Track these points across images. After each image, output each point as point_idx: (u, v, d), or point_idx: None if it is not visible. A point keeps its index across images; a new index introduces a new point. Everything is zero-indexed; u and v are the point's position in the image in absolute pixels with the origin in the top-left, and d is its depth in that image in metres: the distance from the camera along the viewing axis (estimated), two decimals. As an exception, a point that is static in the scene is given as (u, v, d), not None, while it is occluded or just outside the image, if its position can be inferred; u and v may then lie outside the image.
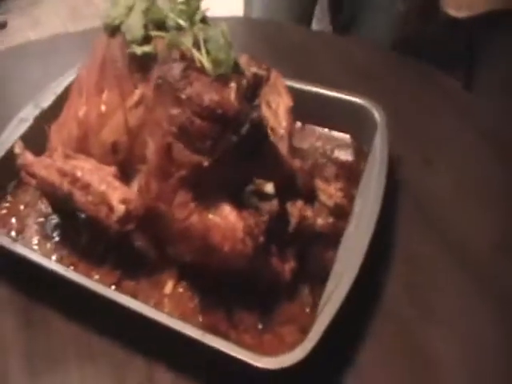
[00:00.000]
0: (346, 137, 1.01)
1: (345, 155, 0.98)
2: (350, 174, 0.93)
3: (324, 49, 1.34)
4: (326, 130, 1.02)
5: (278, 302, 0.79)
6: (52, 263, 0.81)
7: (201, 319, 0.78)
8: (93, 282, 0.78)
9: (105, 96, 0.86)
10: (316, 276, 0.80)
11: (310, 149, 0.99)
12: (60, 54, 1.35)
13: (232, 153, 0.73)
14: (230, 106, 0.72)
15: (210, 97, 0.72)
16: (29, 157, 0.88)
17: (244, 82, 0.79)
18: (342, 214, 0.83)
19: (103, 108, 0.86)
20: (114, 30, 0.87)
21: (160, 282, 0.82)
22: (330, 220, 0.84)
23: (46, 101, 1.05)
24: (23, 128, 1.00)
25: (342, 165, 0.96)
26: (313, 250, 0.82)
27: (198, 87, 0.73)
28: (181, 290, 0.81)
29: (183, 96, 0.73)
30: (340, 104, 0.99)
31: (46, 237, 0.91)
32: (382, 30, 1.72)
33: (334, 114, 1.00)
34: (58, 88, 1.07)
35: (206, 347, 0.69)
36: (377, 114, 0.95)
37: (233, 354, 0.68)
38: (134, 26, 0.85)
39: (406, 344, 0.79)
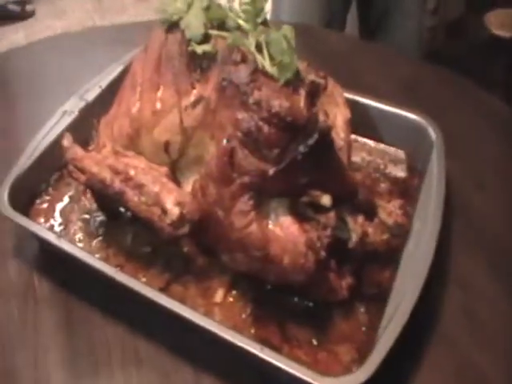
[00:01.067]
0: (399, 152, 0.98)
1: (398, 171, 0.95)
2: (404, 191, 0.91)
3: (362, 55, 1.31)
4: (378, 143, 1.00)
5: (332, 319, 0.77)
6: (101, 264, 0.78)
7: (253, 331, 0.76)
8: (144, 287, 0.75)
9: (160, 93, 0.84)
10: (371, 294, 0.78)
11: (362, 162, 0.96)
12: (94, 47, 1.34)
13: (298, 162, 0.70)
14: (300, 113, 0.70)
15: (279, 103, 0.70)
16: (79, 151, 0.85)
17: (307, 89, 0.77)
18: (400, 232, 0.80)
19: (158, 105, 0.83)
20: (171, 26, 0.85)
21: (209, 290, 0.80)
22: (385, 237, 0.81)
23: (91, 94, 1.03)
24: (67, 120, 0.98)
25: (395, 181, 0.94)
26: (368, 267, 0.80)
27: (267, 92, 0.71)
28: (231, 299, 0.79)
29: (251, 100, 0.71)
30: (394, 119, 0.97)
31: (90, 234, 0.88)
32: (409, 42, 1.71)
33: (388, 128, 0.98)
34: (103, 81, 1.05)
35: (265, 362, 0.67)
36: (432, 132, 0.92)
37: (294, 372, 0.65)
38: (194, 23, 0.83)
39: (460, 368, 0.76)
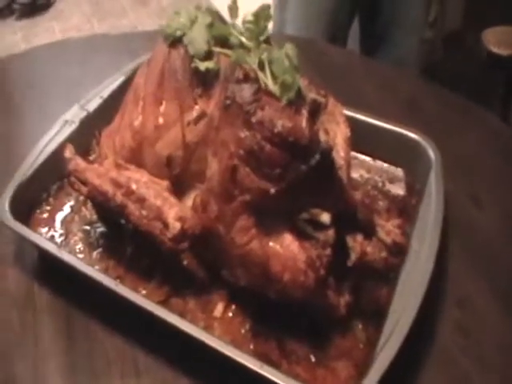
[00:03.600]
0: (398, 170, 0.99)
1: (396, 189, 0.96)
2: (403, 209, 0.92)
3: (363, 72, 1.32)
4: (377, 161, 1.01)
5: (330, 336, 0.77)
6: (101, 276, 0.79)
7: (252, 346, 0.77)
8: (144, 299, 0.76)
9: (163, 107, 0.85)
10: (369, 312, 0.79)
11: (360, 180, 0.97)
12: (97, 55, 1.34)
13: (299, 182, 0.71)
14: (302, 134, 0.71)
15: (282, 123, 0.70)
16: (81, 162, 0.86)
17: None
18: (398, 251, 0.81)
19: (161, 120, 0.84)
20: (174, 41, 0.85)
21: (209, 304, 0.81)
22: (383, 255, 0.82)
23: (92, 104, 1.04)
24: (68, 130, 0.99)
25: (393, 199, 0.95)
26: (366, 285, 0.81)
27: (269, 112, 0.72)
28: (230, 314, 0.80)
29: (254, 120, 0.71)
30: (393, 137, 0.98)
31: (90, 245, 0.89)
32: (410, 56, 1.72)
33: (387, 146, 0.99)
34: (104, 92, 1.06)
35: (264, 379, 0.67)
36: (431, 151, 0.93)
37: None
38: (198, 39, 0.84)
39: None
